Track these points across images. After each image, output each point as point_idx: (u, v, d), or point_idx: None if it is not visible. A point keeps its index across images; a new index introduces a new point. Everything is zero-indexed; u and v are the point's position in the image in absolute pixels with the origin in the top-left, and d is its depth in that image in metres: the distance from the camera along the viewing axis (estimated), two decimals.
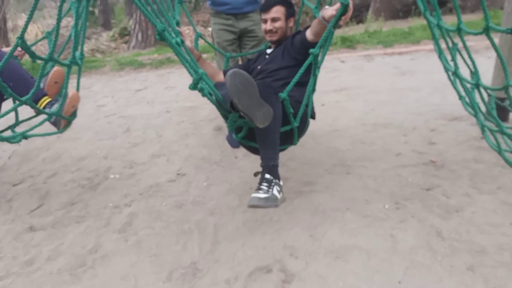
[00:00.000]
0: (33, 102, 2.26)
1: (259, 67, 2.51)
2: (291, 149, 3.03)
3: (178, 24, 2.45)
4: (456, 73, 2.39)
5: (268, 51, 2.58)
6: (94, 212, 2.43)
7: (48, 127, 2.55)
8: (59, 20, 1.93)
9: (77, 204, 2.53)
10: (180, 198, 2.51)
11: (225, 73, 2.63)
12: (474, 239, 1.98)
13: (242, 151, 3.01)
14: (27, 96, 2.05)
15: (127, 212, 2.41)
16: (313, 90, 2.29)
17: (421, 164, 2.74)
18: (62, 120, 2.49)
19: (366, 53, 6.31)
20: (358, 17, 10.55)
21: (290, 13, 2.50)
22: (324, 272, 1.83)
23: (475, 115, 2.46)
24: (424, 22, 7.34)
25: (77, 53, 2.19)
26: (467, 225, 2.09)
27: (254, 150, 2.30)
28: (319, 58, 2.19)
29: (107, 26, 10.64)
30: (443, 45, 2.53)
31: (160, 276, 1.88)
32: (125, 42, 8.92)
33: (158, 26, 1.77)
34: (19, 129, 2.49)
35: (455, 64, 2.39)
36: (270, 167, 1.98)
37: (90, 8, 10.13)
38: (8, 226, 2.34)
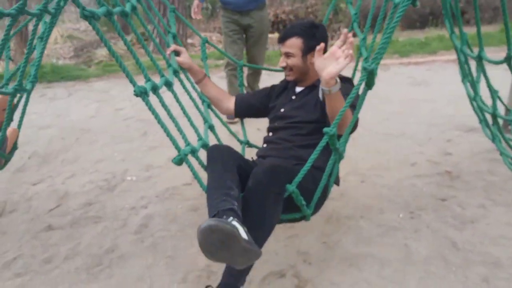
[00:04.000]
0: None
1: (282, 110, 2.02)
2: None
3: (175, 37, 2.28)
4: (475, 100, 2.37)
5: (297, 89, 2.03)
6: (111, 213, 2.48)
7: None
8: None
9: (94, 205, 2.58)
10: (195, 202, 2.54)
11: (237, 98, 2.24)
12: (488, 251, 1.98)
13: None
14: None
15: (144, 214, 2.45)
16: (333, 173, 1.77)
17: (436, 174, 2.74)
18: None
19: (382, 62, 6.19)
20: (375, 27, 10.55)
21: (310, 47, 1.86)
22: (337, 279, 1.85)
23: (493, 141, 2.46)
24: (441, 32, 7.32)
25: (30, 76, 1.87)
26: (481, 237, 2.09)
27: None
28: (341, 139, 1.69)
29: (125, 30, 10.80)
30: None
31: (175, 278, 1.91)
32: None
33: (135, 88, 1.60)
34: None
35: (475, 92, 2.37)
36: None
37: None
38: (27, 225, 2.40)
